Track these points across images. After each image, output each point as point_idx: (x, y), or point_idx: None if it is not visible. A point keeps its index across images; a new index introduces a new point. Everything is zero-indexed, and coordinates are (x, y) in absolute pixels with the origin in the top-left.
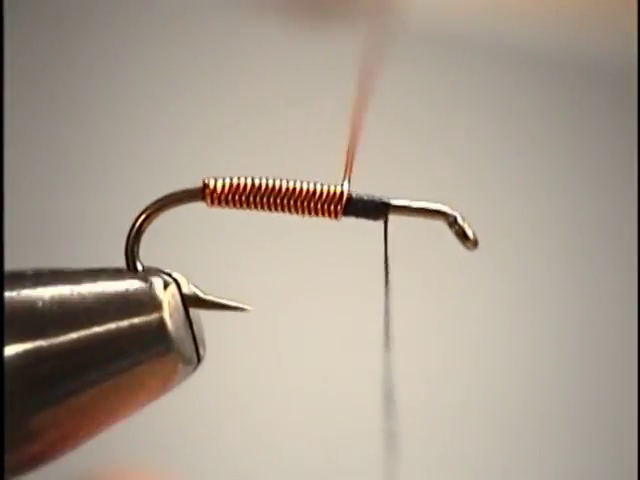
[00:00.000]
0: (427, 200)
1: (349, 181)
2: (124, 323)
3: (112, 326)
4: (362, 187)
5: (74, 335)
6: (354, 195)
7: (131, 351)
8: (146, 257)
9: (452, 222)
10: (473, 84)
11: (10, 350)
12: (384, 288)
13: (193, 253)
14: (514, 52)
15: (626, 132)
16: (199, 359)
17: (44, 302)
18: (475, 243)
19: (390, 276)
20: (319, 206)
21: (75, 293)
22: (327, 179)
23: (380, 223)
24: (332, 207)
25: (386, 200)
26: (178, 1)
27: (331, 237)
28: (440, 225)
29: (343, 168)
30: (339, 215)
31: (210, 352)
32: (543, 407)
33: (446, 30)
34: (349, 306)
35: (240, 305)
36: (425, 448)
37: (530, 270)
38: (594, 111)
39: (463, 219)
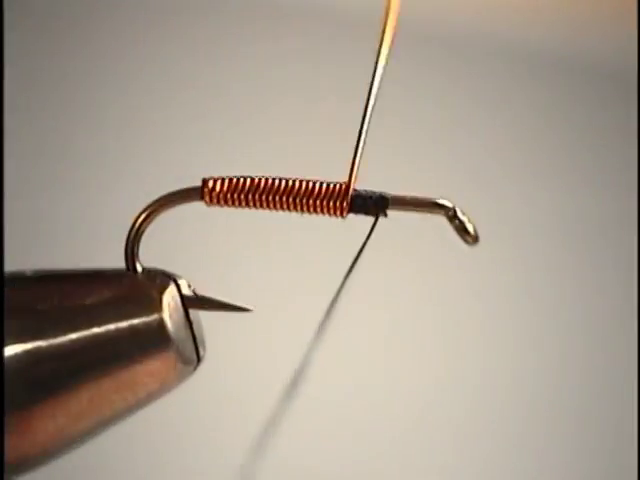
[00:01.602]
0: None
1: (353, 179)
2: (123, 324)
3: (111, 327)
4: (362, 186)
5: (73, 336)
6: (352, 191)
7: (130, 352)
8: (146, 258)
9: (452, 216)
10: (473, 84)
11: (9, 350)
12: (343, 280)
13: (193, 253)
14: (514, 52)
15: (626, 132)
16: (199, 359)
17: (43, 303)
18: (475, 238)
19: (382, 274)
20: (321, 203)
21: (74, 294)
22: (328, 177)
23: (382, 220)
24: (336, 204)
25: (385, 194)
26: (177, 1)
27: (332, 236)
28: (440, 224)
29: (349, 166)
30: (344, 212)
31: (210, 352)
32: (544, 408)
33: (446, 30)
34: (350, 307)
35: (240, 305)
36: (426, 451)
37: (530, 270)
38: (594, 111)
39: (463, 213)
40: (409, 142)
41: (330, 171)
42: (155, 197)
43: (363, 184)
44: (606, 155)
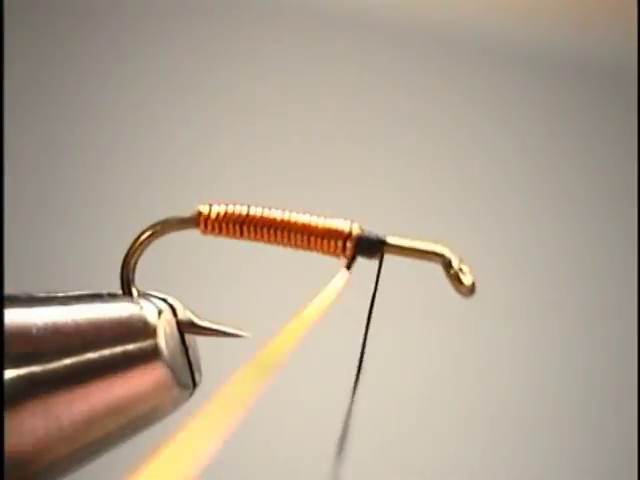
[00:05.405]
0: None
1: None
2: (118, 349)
3: (106, 352)
4: (359, 186)
5: (68, 361)
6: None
7: (125, 377)
8: (141, 282)
9: (447, 265)
10: (473, 84)
11: (4, 375)
12: (365, 326)
13: (189, 278)
14: (514, 52)
15: (626, 132)
16: (195, 384)
17: (38, 328)
18: (470, 290)
19: (382, 301)
20: (319, 243)
21: (69, 319)
22: (327, 175)
23: None
24: (337, 246)
25: (382, 238)
26: (178, 4)
27: (328, 261)
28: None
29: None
30: (346, 254)
31: (206, 376)
32: (544, 415)
33: (446, 30)
34: (347, 331)
35: (236, 331)
36: (428, 461)
37: (530, 281)
38: (594, 111)
39: (460, 263)
40: (406, 141)
41: (330, 171)
42: (151, 221)
43: (360, 184)
44: (606, 156)
